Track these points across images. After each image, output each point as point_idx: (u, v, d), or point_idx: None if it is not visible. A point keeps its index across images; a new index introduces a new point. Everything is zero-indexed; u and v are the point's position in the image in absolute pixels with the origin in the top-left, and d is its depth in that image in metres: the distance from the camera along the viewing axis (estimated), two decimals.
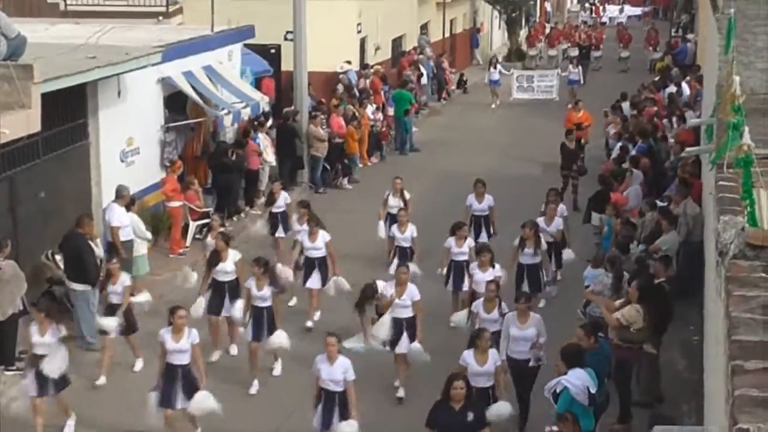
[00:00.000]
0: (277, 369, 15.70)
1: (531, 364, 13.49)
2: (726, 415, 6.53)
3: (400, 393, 14.86)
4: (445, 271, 17.35)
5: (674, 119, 26.85)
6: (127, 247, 18.42)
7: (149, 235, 19.21)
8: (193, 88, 23.14)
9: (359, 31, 33.85)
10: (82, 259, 16.69)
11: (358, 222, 20.95)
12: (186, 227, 21.48)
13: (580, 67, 42.02)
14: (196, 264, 18.10)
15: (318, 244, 17.40)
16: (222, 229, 17.26)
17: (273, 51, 29.63)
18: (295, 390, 13.56)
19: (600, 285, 16.22)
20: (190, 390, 12.92)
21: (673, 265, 17.16)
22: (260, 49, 28.73)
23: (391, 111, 31.85)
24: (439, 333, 15.73)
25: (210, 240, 17.12)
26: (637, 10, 65.09)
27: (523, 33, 52.75)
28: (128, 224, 18.47)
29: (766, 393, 6.27)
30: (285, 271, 17.34)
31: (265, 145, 24.89)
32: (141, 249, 18.96)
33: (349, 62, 32.80)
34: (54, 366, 13.31)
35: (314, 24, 27.54)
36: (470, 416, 11.00)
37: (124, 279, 15.65)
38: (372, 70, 33.96)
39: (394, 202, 19.77)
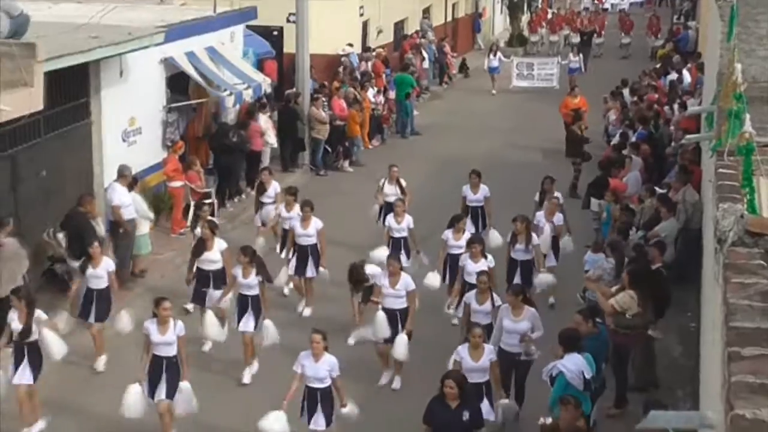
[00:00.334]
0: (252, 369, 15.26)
1: (521, 358, 13.37)
2: (722, 401, 6.56)
3: (395, 384, 14.85)
4: (441, 265, 17.08)
5: (675, 106, 26.84)
6: (129, 226, 18.46)
7: (151, 214, 19.24)
8: (196, 68, 23.12)
9: (362, 14, 33.86)
10: (84, 238, 16.71)
11: (358, 204, 20.89)
12: (187, 207, 21.45)
13: (581, 54, 42.02)
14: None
15: (310, 231, 17.18)
16: (210, 218, 17.08)
17: (275, 33, 29.65)
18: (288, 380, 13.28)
19: (600, 270, 16.28)
20: (174, 381, 12.81)
21: (672, 251, 17.21)
22: (262, 30, 28.73)
23: (392, 94, 31.81)
24: (435, 325, 15.60)
25: (199, 230, 16.89)
26: None
27: (525, 18, 52.70)
28: (130, 204, 18.51)
29: (762, 379, 6.29)
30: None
31: (266, 126, 24.88)
32: (143, 228, 19.00)
33: (351, 45, 32.81)
34: (52, 351, 13.41)
35: (316, 6, 27.58)
36: (465, 415, 10.90)
37: (108, 263, 15.51)
38: (374, 53, 33.99)
39: (390, 190, 19.59)
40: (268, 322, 14.91)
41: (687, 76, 31.08)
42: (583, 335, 12.79)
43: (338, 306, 16.59)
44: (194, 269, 16.07)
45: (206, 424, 13.30)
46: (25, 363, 13.11)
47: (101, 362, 15.36)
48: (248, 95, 24.42)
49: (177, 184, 21.21)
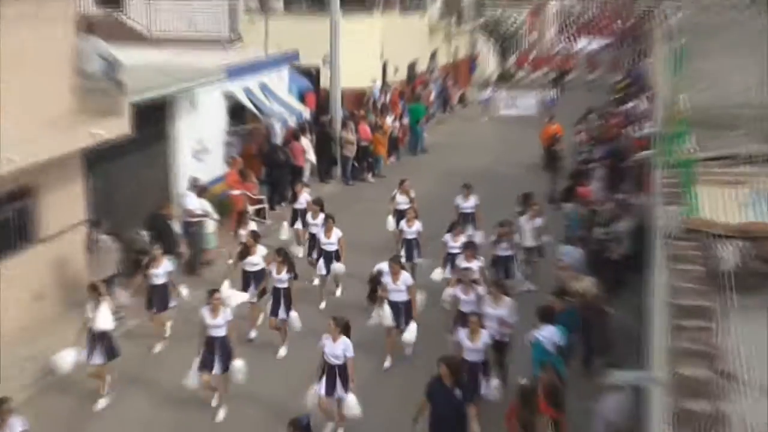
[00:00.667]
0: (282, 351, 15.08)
1: (498, 338, 13.04)
2: (667, 363, 6.60)
3: (386, 364, 14.52)
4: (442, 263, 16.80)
5: (631, 129, 26.82)
6: (199, 226, 18.59)
7: (216, 216, 19.34)
8: (250, 100, 23.27)
9: (382, 56, 33.87)
10: (164, 236, 16.87)
11: (379, 208, 20.64)
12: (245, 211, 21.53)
13: (556, 88, 42.01)
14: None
15: (332, 240, 16.84)
16: (253, 229, 16.76)
17: (313, 72, 29.67)
18: (314, 358, 12.77)
19: (571, 258, 16.34)
20: (226, 358, 12.65)
21: (627, 244, 17.25)
22: (303, 70, 28.75)
23: (406, 120, 31.79)
24: (437, 312, 15.20)
25: (242, 232, 16.76)
26: (604, 42, 64.66)
27: (511, 59, 52.60)
28: (199, 209, 18.64)
29: (698, 346, 6.34)
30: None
31: (307, 146, 24.97)
32: (210, 227, 19.09)
33: (374, 81, 32.84)
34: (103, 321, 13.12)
35: (346, 50, 27.55)
36: (458, 393, 10.51)
37: (167, 265, 15.25)
38: (392, 88, 34.02)
39: (401, 200, 19.36)
40: (293, 314, 14.75)
41: (641, 105, 30.99)
42: (556, 311, 12.89)
43: (358, 293, 16.34)
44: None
45: (248, 390, 13.13)
46: (98, 348, 13.03)
47: (158, 347, 15.28)
48: (292, 121, 24.51)
49: (236, 192, 21.32)
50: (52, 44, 15.28)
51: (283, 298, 14.64)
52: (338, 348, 11.71)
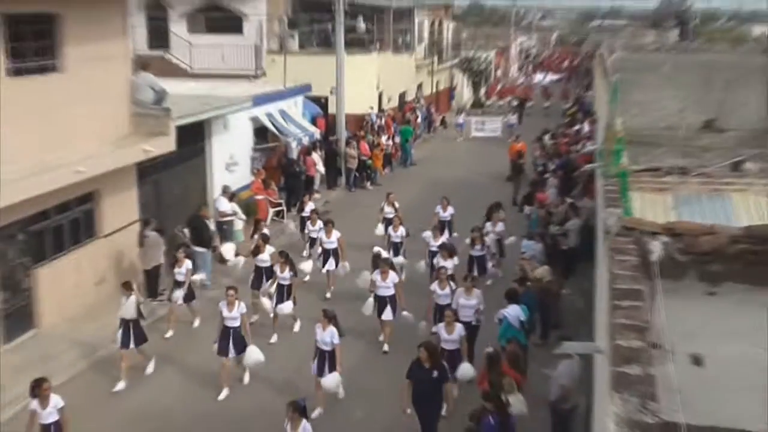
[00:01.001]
0: (297, 326, 14.72)
1: (473, 323, 12.78)
2: (608, 336, 6.60)
3: (385, 348, 14.00)
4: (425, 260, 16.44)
5: (579, 146, 26.85)
6: (229, 224, 18.55)
7: (244, 216, 19.30)
8: (272, 123, 23.24)
9: (378, 88, 33.86)
10: (201, 232, 16.81)
11: (375, 212, 20.44)
12: (266, 213, 21.47)
13: (518, 113, 42.00)
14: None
15: (332, 239, 16.34)
16: (264, 233, 16.07)
17: (323, 100, 29.68)
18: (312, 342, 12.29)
19: (531, 251, 16.34)
20: (240, 345, 12.26)
21: (576, 239, 17.26)
22: (314, 98, 28.76)
23: (398, 139, 31.76)
24: (422, 302, 14.60)
25: (256, 236, 16.14)
26: (556, 76, 64.79)
27: (482, 90, 52.62)
28: (230, 210, 18.61)
29: (633, 321, 6.32)
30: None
31: (318, 160, 24.95)
32: (238, 225, 19.02)
33: (371, 108, 32.84)
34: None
35: (349, 83, 27.54)
36: (435, 373, 10.25)
37: (188, 264, 14.69)
38: (386, 113, 34.00)
39: (388, 210, 18.78)
40: (288, 303, 14.24)
41: (586, 127, 31.02)
42: (520, 293, 12.88)
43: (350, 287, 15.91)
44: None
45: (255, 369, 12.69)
46: (130, 335, 12.56)
47: (196, 322, 14.88)
48: (305, 140, 24.49)
49: (260, 197, 21.29)
50: (113, 78, 15.29)
51: (285, 292, 14.30)
52: (327, 336, 11.37)
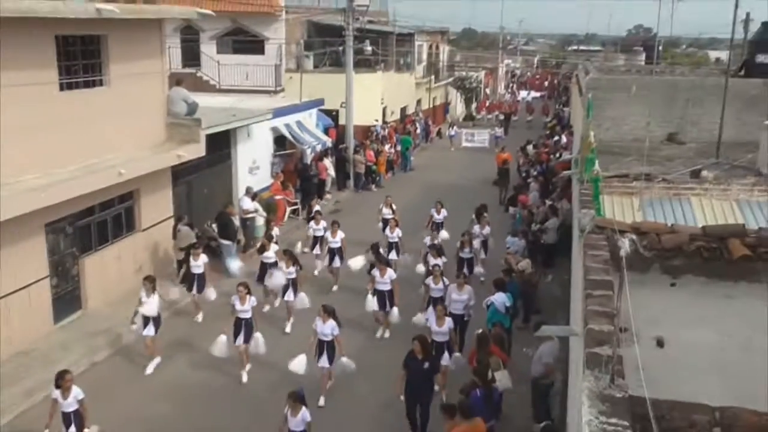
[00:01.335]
0: (288, 328, 13.83)
1: (465, 318, 12.53)
2: (582, 321, 6.59)
3: (386, 334, 13.64)
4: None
5: (557, 155, 26.84)
6: (251, 221, 18.53)
7: (264, 214, 19.28)
8: (290, 132, 23.20)
9: (382, 103, 33.83)
10: (228, 227, 16.77)
11: (378, 211, 20.39)
12: (284, 211, 21.50)
13: (504, 126, 41.80)
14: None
15: (336, 239, 15.75)
16: (269, 232, 15.65)
17: (334, 113, 29.63)
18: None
19: (516, 246, 16.33)
20: (248, 335, 11.80)
21: (555, 236, 17.24)
22: (327, 111, 28.72)
23: (399, 148, 31.71)
24: (416, 295, 14.27)
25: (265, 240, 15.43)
26: (538, 94, 64.70)
27: (473, 105, 52.55)
28: (253, 208, 18.59)
29: (604, 308, 6.31)
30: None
31: (329, 165, 24.92)
32: (259, 222, 19.01)
33: (376, 120, 32.81)
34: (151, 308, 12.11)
35: (357, 98, 27.48)
36: (426, 365, 9.91)
37: (204, 259, 14.14)
38: (389, 125, 33.97)
39: (386, 211, 18.22)
40: (302, 295, 13.90)
41: (564, 138, 31.02)
42: (505, 282, 12.86)
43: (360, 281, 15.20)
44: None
45: (264, 357, 12.19)
46: (150, 324, 12.06)
47: (200, 317, 14.25)
48: (319, 148, 24.46)
49: (278, 197, 21.22)
50: (151, 92, 15.28)
51: (291, 285, 13.88)
52: (327, 328, 10.97)
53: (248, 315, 11.81)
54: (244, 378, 11.90)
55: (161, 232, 16.06)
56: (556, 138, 31.88)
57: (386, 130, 32.42)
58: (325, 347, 11.07)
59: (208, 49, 29.64)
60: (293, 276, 13.89)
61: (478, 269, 15.99)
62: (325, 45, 32.21)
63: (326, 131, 27.20)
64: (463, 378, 10.18)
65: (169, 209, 16.51)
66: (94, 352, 12.44)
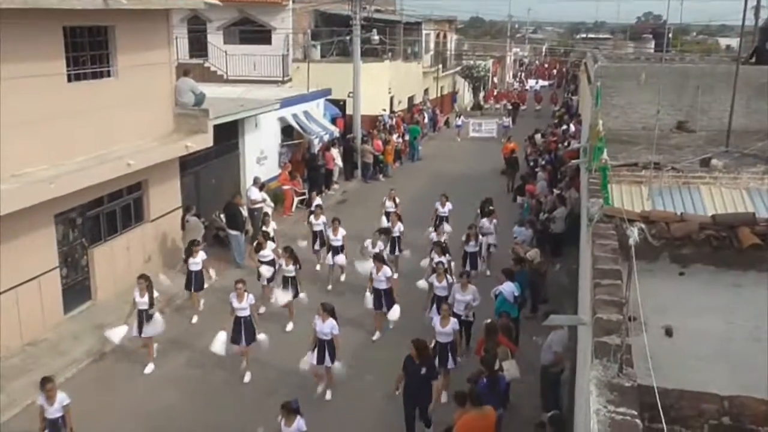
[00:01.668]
0: (289, 326, 13.47)
1: (464, 318, 12.12)
2: (590, 310, 6.58)
3: (376, 335, 13.21)
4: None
5: (566, 144, 26.74)
6: (259, 211, 18.55)
7: (272, 204, 19.32)
8: (297, 122, 23.21)
9: (390, 92, 33.78)
10: (236, 217, 16.83)
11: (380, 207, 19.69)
12: (292, 201, 21.54)
13: (512, 116, 41.57)
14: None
15: (338, 237, 15.31)
16: (265, 230, 15.19)
17: (341, 102, 29.63)
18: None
19: (523, 236, 16.30)
20: (250, 335, 11.54)
21: (563, 225, 17.21)
22: (334, 101, 28.72)
23: (407, 137, 31.69)
24: (418, 293, 13.75)
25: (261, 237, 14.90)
26: (546, 83, 64.39)
27: (481, 94, 52.36)
28: (260, 198, 18.62)
29: (613, 297, 6.29)
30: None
31: (336, 155, 24.92)
32: (267, 212, 19.02)
33: (384, 110, 32.76)
34: (155, 326, 11.98)
35: (364, 87, 27.45)
36: (423, 369, 9.51)
37: (202, 255, 13.92)
38: (396, 114, 33.91)
39: (389, 204, 17.75)
40: (302, 295, 13.61)
41: (572, 127, 30.90)
42: (514, 271, 12.84)
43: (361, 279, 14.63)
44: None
45: (264, 355, 11.91)
46: (146, 324, 11.80)
47: (195, 319, 13.94)
48: (326, 138, 24.46)
49: (287, 187, 21.30)
50: (159, 83, 15.29)
51: (290, 284, 13.49)
52: (326, 327, 10.69)
53: (246, 313, 11.50)
54: (247, 378, 11.68)
55: (170, 222, 16.11)
56: (565, 127, 31.75)
57: (394, 120, 32.37)
58: (326, 346, 10.80)
59: (215, 39, 29.64)
60: (292, 274, 13.50)
61: (482, 267, 15.57)
62: (332, 34, 32.15)
63: (333, 121, 27.19)
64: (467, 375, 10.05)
65: (178, 200, 16.56)
66: (103, 343, 12.52)
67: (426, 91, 41.96)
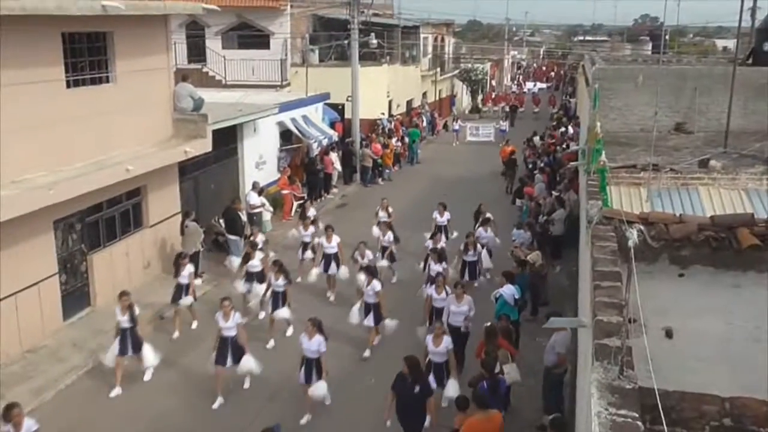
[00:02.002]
0: (290, 331, 13.28)
1: (462, 330, 11.66)
2: (590, 312, 6.57)
3: (366, 353, 12.60)
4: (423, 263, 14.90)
5: (564, 146, 26.75)
6: (259, 215, 18.55)
7: (271, 209, 19.30)
8: (296, 127, 23.20)
9: (388, 96, 33.79)
10: (235, 222, 16.82)
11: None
12: (291, 205, 21.54)
13: (510, 119, 41.43)
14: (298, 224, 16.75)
15: (332, 244, 14.87)
16: (253, 240, 14.71)
17: (340, 106, 29.64)
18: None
19: (522, 239, 16.28)
20: (237, 355, 11.04)
21: (562, 227, 17.20)
22: (333, 105, 28.73)
23: (406, 141, 31.71)
24: (414, 306, 13.57)
25: (249, 247, 14.51)
26: (544, 85, 64.50)
27: (479, 97, 52.42)
28: (260, 203, 18.60)
29: (613, 299, 6.29)
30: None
31: (335, 159, 24.91)
32: (266, 216, 19.06)
33: (383, 113, 32.76)
34: (147, 359, 11.67)
35: (363, 91, 27.48)
36: (416, 389, 9.12)
37: (190, 269, 13.46)
38: (395, 118, 33.91)
39: (382, 214, 17.44)
40: (285, 308, 13.06)
41: (570, 129, 30.91)
42: (515, 274, 12.82)
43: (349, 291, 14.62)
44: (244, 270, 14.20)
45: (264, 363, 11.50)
46: (128, 343, 11.37)
47: (176, 334, 13.39)
48: (325, 142, 24.46)
49: (286, 192, 21.28)
50: (157, 88, 15.29)
51: (280, 299, 13.09)
52: (314, 344, 10.14)
53: (233, 333, 10.99)
54: (246, 384, 11.46)
55: (169, 228, 16.09)
56: (563, 129, 31.78)
57: (392, 123, 32.38)
58: (313, 365, 10.26)
59: (213, 44, 29.68)
60: (281, 289, 13.04)
61: (482, 278, 15.23)
62: (330, 39, 32.19)
63: (332, 125, 27.20)
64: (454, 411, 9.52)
65: (177, 205, 16.54)
66: (103, 350, 12.46)
67: (424, 94, 41.99)
